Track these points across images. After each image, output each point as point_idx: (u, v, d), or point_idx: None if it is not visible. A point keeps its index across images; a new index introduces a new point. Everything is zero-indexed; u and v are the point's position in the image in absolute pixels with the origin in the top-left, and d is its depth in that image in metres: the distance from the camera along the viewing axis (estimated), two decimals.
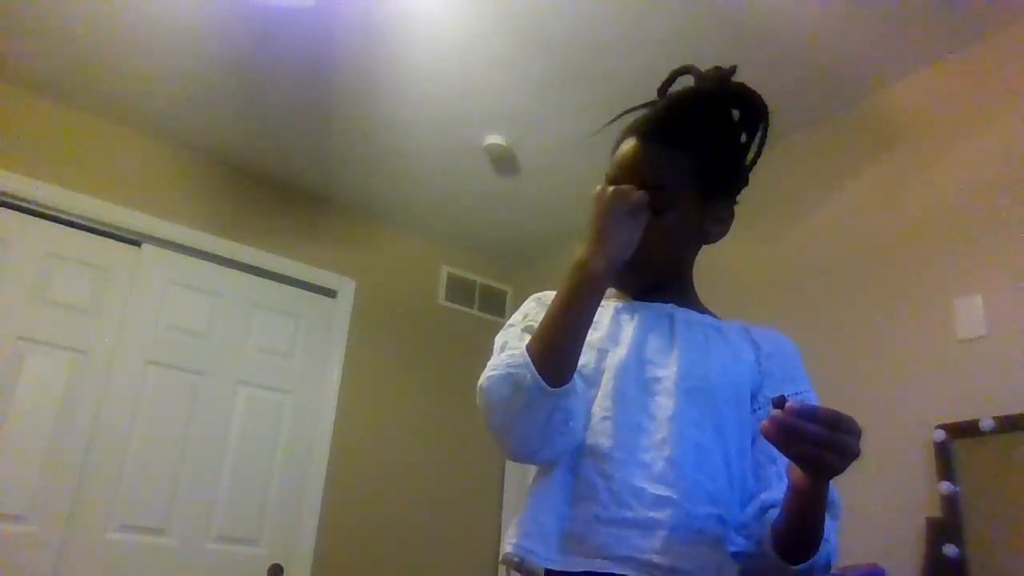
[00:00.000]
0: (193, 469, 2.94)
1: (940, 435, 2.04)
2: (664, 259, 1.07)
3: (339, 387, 3.33)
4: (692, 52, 2.39)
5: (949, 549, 1.91)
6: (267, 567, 2.97)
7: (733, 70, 1.09)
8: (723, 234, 1.11)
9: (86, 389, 2.80)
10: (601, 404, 0.97)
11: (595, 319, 1.04)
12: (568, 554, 0.90)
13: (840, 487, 0.96)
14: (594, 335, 1.02)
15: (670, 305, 1.07)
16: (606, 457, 0.93)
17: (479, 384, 0.94)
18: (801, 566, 0.86)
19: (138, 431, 2.86)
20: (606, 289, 0.95)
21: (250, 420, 3.12)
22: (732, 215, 1.11)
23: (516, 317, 1.09)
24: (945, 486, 1.99)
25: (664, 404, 0.96)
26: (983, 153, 2.21)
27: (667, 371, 0.98)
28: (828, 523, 0.88)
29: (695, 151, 1.04)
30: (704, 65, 1.13)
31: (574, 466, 0.94)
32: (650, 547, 0.88)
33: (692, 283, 1.14)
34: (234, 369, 3.14)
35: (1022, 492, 1.88)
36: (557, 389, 0.90)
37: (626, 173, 1.04)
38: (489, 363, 0.97)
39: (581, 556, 0.90)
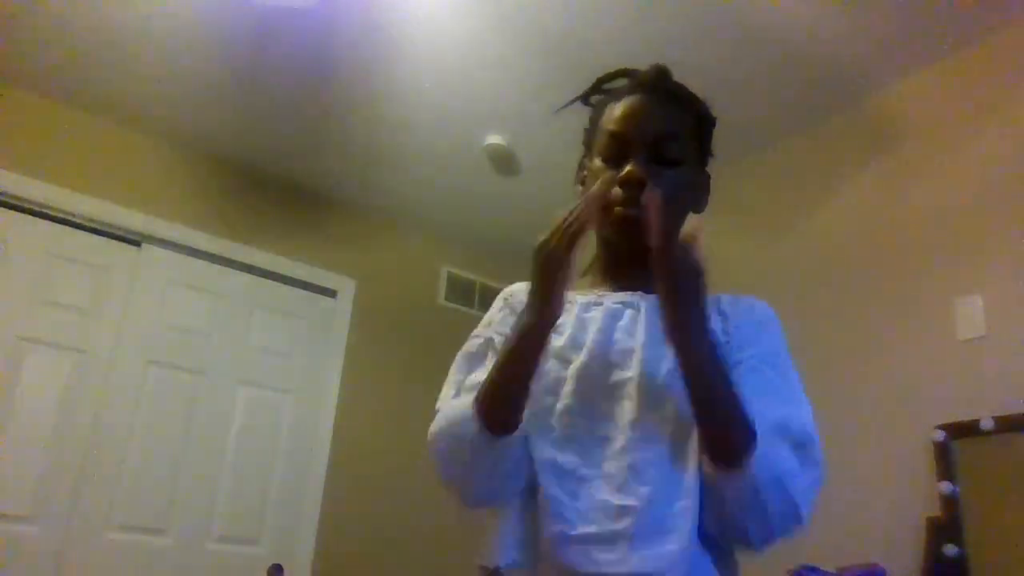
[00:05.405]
0: (193, 469, 2.94)
1: (940, 435, 2.04)
2: (680, 215, 1.02)
3: (339, 387, 3.33)
4: (692, 52, 2.39)
5: (949, 549, 1.91)
6: (267, 567, 2.97)
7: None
8: (706, 204, 1.09)
9: (86, 389, 2.80)
10: (563, 418, 0.94)
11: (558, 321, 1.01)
12: (536, 571, 0.90)
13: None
14: (556, 343, 0.98)
15: (639, 294, 1.02)
16: (571, 475, 0.91)
17: (428, 436, 0.98)
18: (736, 473, 0.84)
19: (138, 431, 2.86)
20: (540, 336, 0.91)
21: (250, 420, 3.12)
22: (709, 187, 1.11)
23: (481, 323, 1.10)
24: (945, 486, 1.99)
25: (627, 408, 0.93)
26: (983, 153, 2.21)
27: (631, 372, 0.95)
28: (790, 462, 0.87)
29: (692, 111, 1.06)
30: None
31: (542, 483, 0.92)
32: (616, 559, 0.86)
33: None
34: (234, 369, 3.14)
35: (1022, 492, 1.88)
36: (500, 439, 0.91)
37: (636, 125, 1.00)
38: (439, 410, 1.01)
39: (549, 573, 0.88)
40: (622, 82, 1.10)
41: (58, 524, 2.64)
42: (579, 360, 0.97)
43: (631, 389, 0.94)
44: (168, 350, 3.00)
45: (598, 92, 1.12)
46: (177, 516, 2.87)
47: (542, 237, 0.91)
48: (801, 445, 0.90)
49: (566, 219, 0.90)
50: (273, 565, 2.98)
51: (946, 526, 1.95)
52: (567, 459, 0.92)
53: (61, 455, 2.69)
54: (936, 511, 1.99)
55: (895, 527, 2.06)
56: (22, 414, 2.66)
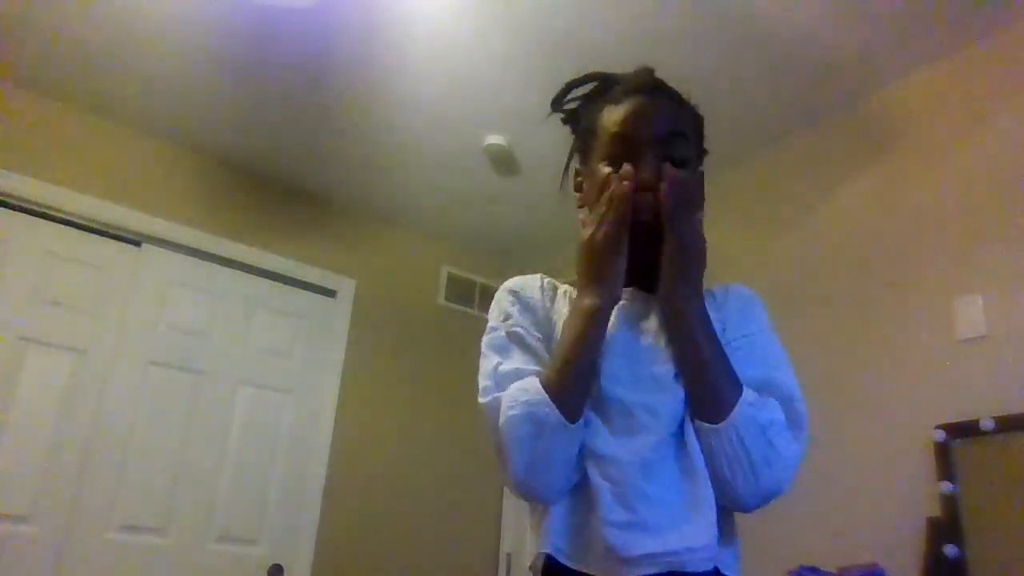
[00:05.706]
0: (193, 469, 2.94)
1: (940, 435, 2.04)
2: (690, 215, 1.02)
3: (339, 387, 3.33)
4: (692, 52, 2.40)
5: (949, 549, 1.91)
6: (267, 567, 2.97)
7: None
8: (703, 200, 1.09)
9: (86, 389, 2.79)
10: (599, 412, 0.97)
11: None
12: (583, 559, 0.93)
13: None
14: None
15: (642, 293, 1.06)
16: (612, 463, 0.94)
17: (499, 425, 0.95)
18: (723, 424, 0.91)
19: (138, 431, 2.86)
20: (606, 319, 0.97)
21: (250, 420, 3.12)
22: (703, 184, 1.11)
23: (495, 317, 1.08)
24: (945, 486, 1.99)
25: (663, 400, 0.97)
26: (983, 153, 2.21)
27: (659, 368, 0.99)
28: (776, 414, 0.93)
29: (689, 111, 1.08)
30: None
31: (588, 471, 0.95)
32: (657, 541, 0.90)
33: None
34: (234, 369, 3.14)
35: (1022, 492, 1.88)
36: (575, 423, 0.93)
37: (644, 124, 1.01)
38: (496, 393, 0.97)
39: (595, 560, 0.92)
40: (593, 84, 1.12)
41: (58, 524, 2.64)
42: (604, 357, 0.99)
43: (665, 382, 0.98)
44: (168, 350, 3.00)
45: (573, 98, 1.14)
46: (177, 516, 2.87)
47: (587, 231, 0.98)
48: (787, 402, 0.95)
49: (605, 212, 0.96)
50: (273, 565, 2.99)
51: (946, 526, 1.95)
52: (607, 448, 0.95)
53: (61, 455, 2.69)
54: (936, 511, 1.99)
55: (895, 527, 2.06)
56: (22, 414, 2.66)
